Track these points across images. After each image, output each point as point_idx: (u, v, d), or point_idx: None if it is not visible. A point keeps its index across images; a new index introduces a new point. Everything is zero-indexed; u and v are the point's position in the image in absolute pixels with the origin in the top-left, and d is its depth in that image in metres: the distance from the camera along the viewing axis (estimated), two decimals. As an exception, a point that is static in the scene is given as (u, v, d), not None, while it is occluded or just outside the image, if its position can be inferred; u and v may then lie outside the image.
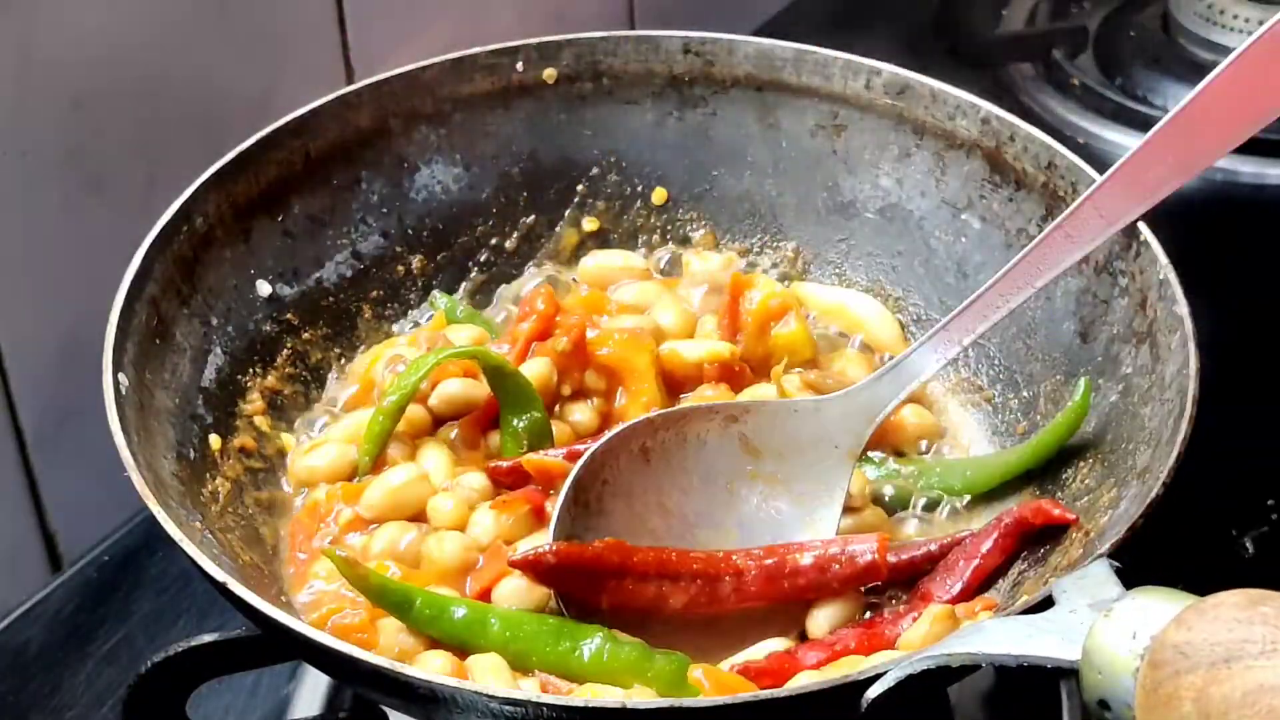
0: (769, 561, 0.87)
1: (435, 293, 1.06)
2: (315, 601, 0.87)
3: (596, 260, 1.07)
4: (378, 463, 0.93)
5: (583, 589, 0.85)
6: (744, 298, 1.01)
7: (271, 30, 1.14)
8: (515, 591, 0.85)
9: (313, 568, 0.89)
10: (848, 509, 0.93)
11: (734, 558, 0.88)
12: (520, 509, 0.89)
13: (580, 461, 0.89)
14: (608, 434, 0.91)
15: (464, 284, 1.08)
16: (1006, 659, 0.64)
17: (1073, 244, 0.90)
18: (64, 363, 1.07)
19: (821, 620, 0.87)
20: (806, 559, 0.87)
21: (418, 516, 0.91)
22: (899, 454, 0.98)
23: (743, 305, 1.01)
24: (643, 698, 0.80)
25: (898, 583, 0.90)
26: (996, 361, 1.01)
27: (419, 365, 0.94)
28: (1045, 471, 0.93)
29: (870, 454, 0.97)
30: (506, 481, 0.91)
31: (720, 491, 0.92)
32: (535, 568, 0.85)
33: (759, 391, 0.98)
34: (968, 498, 0.95)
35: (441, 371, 0.95)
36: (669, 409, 0.94)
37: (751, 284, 1.02)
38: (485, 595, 0.86)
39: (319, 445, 0.95)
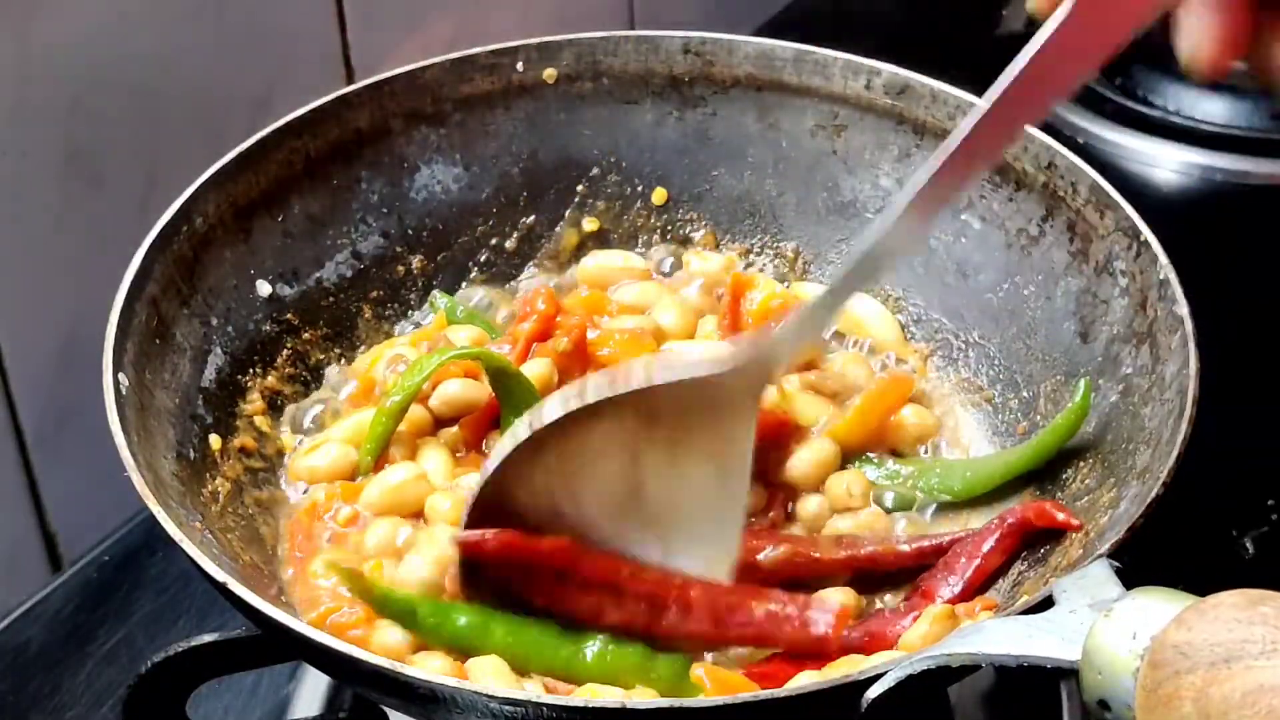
0: (723, 601, 0.85)
1: (435, 293, 1.06)
2: (314, 601, 0.87)
3: (597, 260, 1.07)
4: (379, 463, 0.93)
5: (521, 583, 0.84)
6: (745, 298, 1.01)
7: (271, 30, 1.14)
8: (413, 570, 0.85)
9: (311, 567, 0.89)
10: (846, 509, 0.93)
11: (690, 591, 0.85)
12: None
13: (474, 493, 0.85)
14: (498, 455, 0.85)
15: (464, 284, 1.08)
16: (1006, 659, 0.64)
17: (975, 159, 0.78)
18: (64, 363, 1.07)
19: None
20: (759, 611, 0.85)
21: (416, 516, 0.91)
22: (898, 454, 0.98)
23: (743, 306, 1.01)
24: (643, 698, 0.80)
25: (898, 582, 0.90)
26: (996, 361, 1.01)
27: (421, 366, 0.93)
28: (1045, 471, 0.93)
29: (869, 455, 0.97)
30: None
31: (625, 467, 0.86)
32: (477, 549, 0.84)
33: None
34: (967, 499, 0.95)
35: (443, 372, 0.95)
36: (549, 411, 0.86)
37: (752, 285, 1.02)
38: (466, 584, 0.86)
39: (319, 445, 0.95)
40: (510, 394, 0.94)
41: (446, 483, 0.92)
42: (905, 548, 0.91)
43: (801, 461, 0.95)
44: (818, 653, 0.85)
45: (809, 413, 0.97)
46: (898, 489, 0.96)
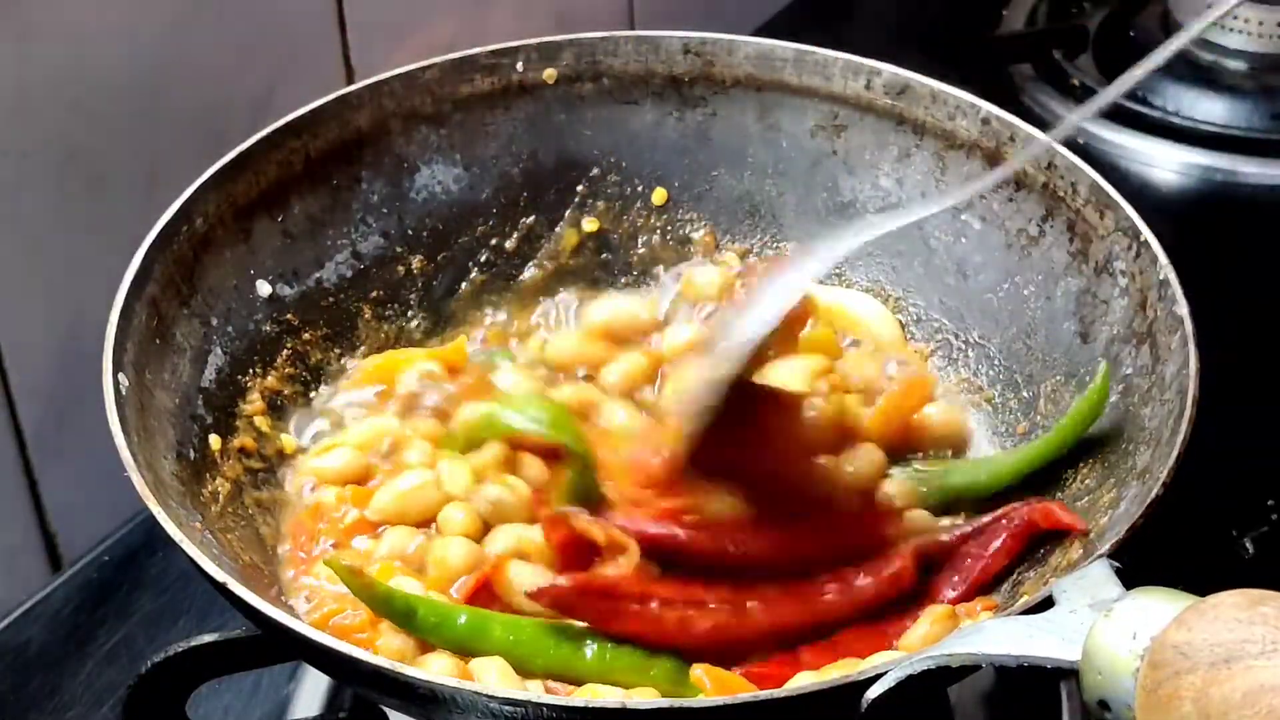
0: (798, 583, 0.86)
1: (503, 360, 1.03)
2: (316, 602, 0.87)
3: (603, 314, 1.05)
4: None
5: (603, 616, 0.84)
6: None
7: (271, 30, 1.14)
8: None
9: (313, 569, 0.89)
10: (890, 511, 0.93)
11: (765, 588, 0.86)
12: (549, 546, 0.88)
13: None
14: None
15: (464, 284, 1.08)
16: (1006, 659, 0.65)
17: None
18: (64, 363, 1.07)
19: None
20: (832, 584, 0.86)
21: (425, 524, 0.91)
22: (923, 455, 0.98)
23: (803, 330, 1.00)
24: (643, 698, 0.80)
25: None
26: (996, 362, 1.01)
27: (501, 424, 0.92)
28: (1045, 471, 0.92)
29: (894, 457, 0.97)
30: (557, 537, 0.89)
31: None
32: (550, 597, 0.84)
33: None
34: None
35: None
36: None
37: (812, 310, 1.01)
38: (471, 598, 0.86)
39: (332, 448, 0.95)
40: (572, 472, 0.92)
41: (463, 492, 0.91)
42: (946, 537, 0.90)
43: (851, 469, 0.94)
44: (901, 587, 0.86)
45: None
46: (928, 487, 0.95)
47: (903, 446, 0.97)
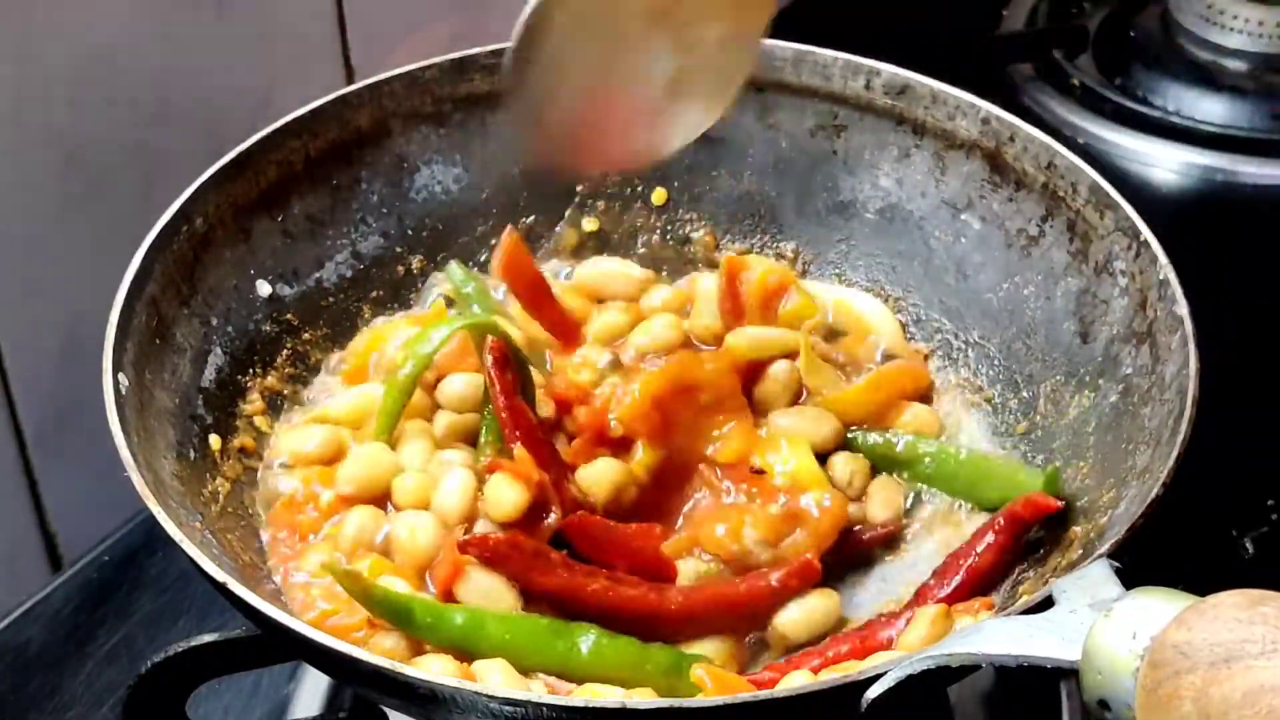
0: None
1: (453, 264, 1.04)
2: (306, 599, 0.87)
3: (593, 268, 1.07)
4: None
5: (527, 571, 0.85)
6: (740, 279, 1.01)
7: (271, 30, 1.14)
8: (479, 591, 0.85)
9: (298, 564, 0.88)
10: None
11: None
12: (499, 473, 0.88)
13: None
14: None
15: (465, 282, 1.08)
16: (1006, 659, 0.65)
17: None
18: (64, 363, 1.07)
19: (795, 613, 0.87)
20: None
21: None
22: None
23: (741, 288, 1.01)
24: (643, 698, 0.80)
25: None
26: (996, 361, 1.01)
27: (428, 335, 0.92)
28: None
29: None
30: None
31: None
32: (479, 548, 0.85)
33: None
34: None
35: (448, 365, 0.94)
36: None
37: (745, 266, 1.02)
38: (447, 593, 0.86)
39: (303, 427, 0.95)
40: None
41: (419, 464, 0.92)
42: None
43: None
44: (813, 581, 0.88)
45: (818, 379, 0.97)
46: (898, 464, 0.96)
47: (878, 425, 0.97)
